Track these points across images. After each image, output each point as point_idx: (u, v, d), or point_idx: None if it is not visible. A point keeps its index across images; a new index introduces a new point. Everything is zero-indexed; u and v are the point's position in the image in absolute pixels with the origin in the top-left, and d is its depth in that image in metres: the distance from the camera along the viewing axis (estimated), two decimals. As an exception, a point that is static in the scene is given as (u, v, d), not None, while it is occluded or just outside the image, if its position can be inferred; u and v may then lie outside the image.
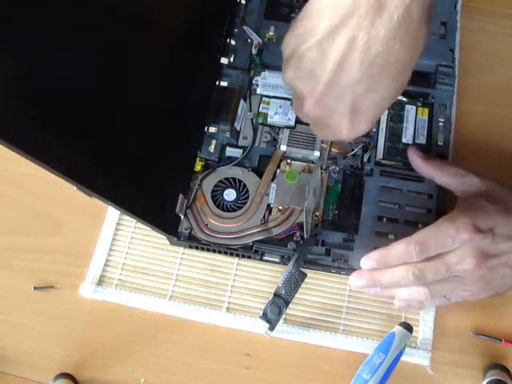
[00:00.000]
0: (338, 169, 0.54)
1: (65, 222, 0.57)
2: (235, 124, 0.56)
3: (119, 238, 0.56)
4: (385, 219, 0.52)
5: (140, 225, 0.56)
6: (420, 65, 0.56)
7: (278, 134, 0.55)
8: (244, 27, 0.60)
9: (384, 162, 0.54)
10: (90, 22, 0.41)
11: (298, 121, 0.55)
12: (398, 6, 0.31)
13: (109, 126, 0.44)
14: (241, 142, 0.56)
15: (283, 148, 0.55)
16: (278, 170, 0.54)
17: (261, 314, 0.50)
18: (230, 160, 0.55)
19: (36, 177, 0.57)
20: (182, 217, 0.52)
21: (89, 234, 0.56)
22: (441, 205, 0.52)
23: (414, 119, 0.55)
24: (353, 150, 0.54)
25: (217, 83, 0.57)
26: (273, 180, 0.54)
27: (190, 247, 0.54)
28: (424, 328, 0.52)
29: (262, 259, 0.52)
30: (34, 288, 0.55)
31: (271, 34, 0.59)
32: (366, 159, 0.54)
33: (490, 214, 0.44)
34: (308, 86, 0.36)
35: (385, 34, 0.32)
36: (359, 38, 0.32)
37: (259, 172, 0.54)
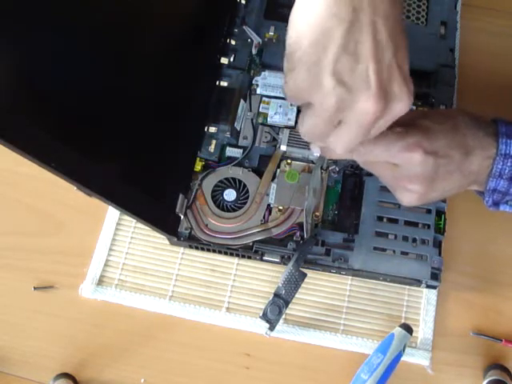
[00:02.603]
0: (337, 169, 0.54)
1: (65, 222, 0.57)
2: (235, 124, 0.56)
3: (119, 238, 0.56)
4: (385, 219, 0.52)
5: (140, 225, 0.56)
6: (420, 65, 0.56)
7: (277, 134, 0.55)
8: (244, 27, 0.60)
9: (384, 162, 0.54)
10: (89, 23, 0.41)
11: (297, 121, 0.55)
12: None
13: (109, 126, 0.44)
14: (241, 142, 0.56)
15: (283, 148, 0.55)
16: (278, 170, 0.54)
17: (261, 314, 0.50)
18: (230, 160, 0.55)
19: (36, 177, 0.57)
20: (182, 217, 0.52)
21: (89, 234, 0.56)
22: (440, 205, 0.52)
23: (414, 119, 0.55)
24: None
25: (217, 83, 0.57)
26: (273, 180, 0.54)
27: (190, 247, 0.54)
28: (424, 328, 0.52)
29: (262, 259, 0.52)
30: (34, 288, 0.55)
31: (271, 33, 0.59)
32: (366, 159, 0.54)
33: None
34: (362, 90, 0.34)
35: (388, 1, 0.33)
36: (374, 20, 0.33)
37: (259, 172, 0.54)
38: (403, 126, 0.40)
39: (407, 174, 0.41)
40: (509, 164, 0.41)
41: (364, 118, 0.35)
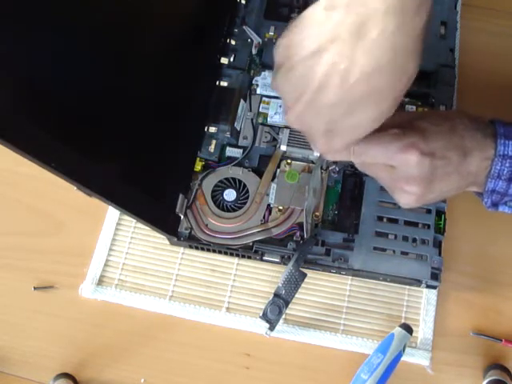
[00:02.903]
0: (337, 169, 0.54)
1: (65, 222, 0.57)
2: (235, 124, 0.56)
3: (119, 238, 0.56)
4: (385, 219, 0.52)
5: (140, 225, 0.56)
6: (420, 65, 0.56)
7: (278, 134, 0.55)
8: (244, 27, 0.60)
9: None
10: (89, 22, 0.41)
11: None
12: (380, 35, 0.31)
13: (109, 126, 0.44)
14: (241, 142, 0.56)
15: (283, 148, 0.55)
16: (278, 170, 0.54)
17: (261, 314, 0.50)
18: (230, 160, 0.55)
19: (36, 177, 0.57)
20: (182, 217, 0.52)
21: (89, 234, 0.56)
22: (440, 205, 0.52)
23: (414, 119, 0.55)
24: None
25: (217, 83, 0.57)
26: (273, 180, 0.54)
27: (190, 247, 0.54)
28: (424, 328, 0.52)
29: (262, 259, 0.52)
30: (34, 288, 0.55)
31: (271, 34, 0.59)
32: (366, 159, 0.54)
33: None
34: (291, 98, 0.37)
35: (365, 62, 0.32)
36: (340, 63, 0.32)
37: (259, 172, 0.54)
38: (400, 128, 0.40)
39: (404, 175, 0.41)
40: (507, 165, 0.41)
41: (285, 113, 0.39)
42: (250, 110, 0.57)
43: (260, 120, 0.56)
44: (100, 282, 0.55)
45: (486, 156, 0.41)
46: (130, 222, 0.56)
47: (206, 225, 0.52)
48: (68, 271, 0.55)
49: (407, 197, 0.42)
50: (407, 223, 0.52)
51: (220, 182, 0.54)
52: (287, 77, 0.36)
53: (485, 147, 0.41)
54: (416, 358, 0.51)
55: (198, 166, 0.54)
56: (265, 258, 0.52)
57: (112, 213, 0.57)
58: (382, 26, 0.31)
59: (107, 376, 0.52)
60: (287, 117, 0.38)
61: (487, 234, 0.55)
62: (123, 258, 0.55)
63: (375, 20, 0.31)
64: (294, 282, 0.50)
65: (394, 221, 0.52)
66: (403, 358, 0.49)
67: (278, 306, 0.49)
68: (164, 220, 0.51)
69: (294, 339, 0.52)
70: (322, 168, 0.54)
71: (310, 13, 0.34)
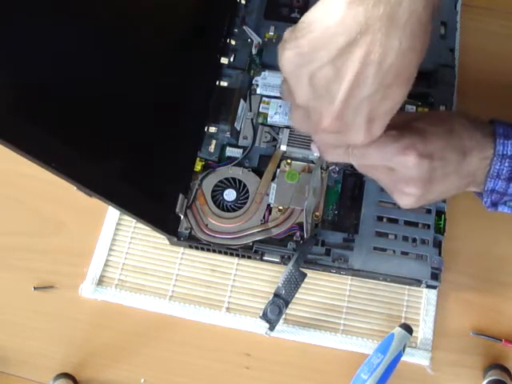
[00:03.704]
0: (337, 169, 0.54)
1: (65, 222, 0.57)
2: (235, 124, 0.56)
3: (119, 238, 0.56)
4: (385, 219, 0.52)
5: (140, 225, 0.56)
6: (420, 65, 0.56)
7: (278, 134, 0.55)
8: (244, 27, 0.60)
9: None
10: (89, 22, 0.41)
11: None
12: (410, 17, 0.32)
13: (109, 126, 0.44)
14: (241, 142, 0.56)
15: (283, 148, 0.55)
16: (278, 170, 0.54)
17: (261, 314, 0.50)
18: (230, 160, 0.55)
19: (36, 177, 0.57)
20: (182, 217, 0.52)
21: (89, 234, 0.56)
22: (440, 205, 0.52)
23: (414, 119, 0.55)
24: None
25: (217, 83, 0.57)
26: (273, 180, 0.54)
27: (190, 247, 0.54)
28: (424, 328, 0.52)
29: (262, 259, 0.52)
30: (34, 288, 0.55)
31: (271, 34, 0.59)
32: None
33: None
34: (325, 104, 0.36)
35: (399, 45, 0.33)
36: (374, 52, 0.32)
37: (259, 172, 0.54)
38: (398, 129, 0.40)
39: (403, 177, 0.41)
40: (506, 164, 0.41)
41: (317, 124, 0.37)
42: (250, 110, 0.57)
43: (260, 120, 0.56)
44: (100, 282, 0.55)
45: (485, 156, 0.41)
46: (130, 221, 0.56)
47: (206, 225, 0.52)
48: (68, 271, 0.55)
49: (406, 198, 0.42)
50: (407, 223, 0.52)
51: (220, 182, 0.54)
52: (313, 84, 0.35)
53: (484, 147, 0.41)
54: (416, 358, 0.51)
55: (198, 166, 0.54)
56: (265, 258, 0.52)
57: (112, 213, 0.57)
58: (412, 7, 0.32)
59: (107, 376, 0.52)
60: (322, 125, 0.37)
61: (487, 234, 0.55)
62: (123, 258, 0.55)
63: (405, 3, 0.32)
64: (294, 282, 0.50)
65: (394, 221, 0.52)
66: (403, 358, 0.49)
67: (277, 306, 0.49)
68: (164, 220, 0.51)
69: (293, 339, 0.52)
70: (321, 168, 0.54)
71: (326, 12, 0.33)
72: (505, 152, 0.41)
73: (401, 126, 0.40)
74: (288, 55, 0.35)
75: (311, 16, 0.34)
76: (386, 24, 0.32)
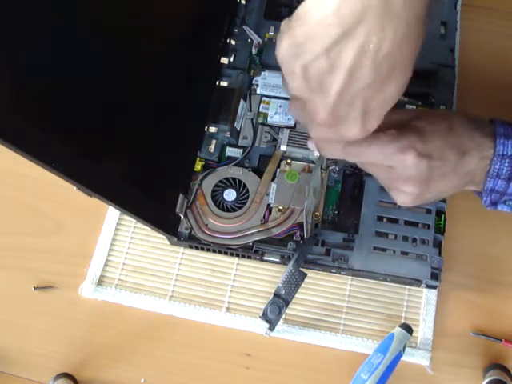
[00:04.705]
0: (337, 169, 0.54)
1: (65, 222, 0.57)
2: (235, 124, 0.56)
3: (119, 238, 0.56)
4: (385, 219, 0.52)
5: (140, 225, 0.56)
6: (420, 65, 0.55)
7: (278, 134, 0.55)
8: (244, 27, 0.60)
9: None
10: (89, 22, 0.41)
11: (298, 121, 0.55)
12: (405, 7, 0.32)
13: (109, 126, 0.44)
14: (241, 142, 0.56)
15: (283, 148, 0.55)
16: (278, 170, 0.54)
17: (261, 314, 0.50)
18: (230, 160, 0.55)
19: (36, 177, 0.57)
20: (182, 217, 0.52)
21: (89, 234, 0.56)
22: (440, 205, 0.52)
23: (414, 119, 0.55)
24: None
25: (217, 83, 0.57)
26: (273, 180, 0.54)
27: (190, 247, 0.54)
28: (424, 328, 0.52)
29: (262, 259, 0.52)
30: (34, 288, 0.55)
31: (271, 34, 0.59)
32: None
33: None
34: (319, 97, 0.35)
35: (395, 35, 0.32)
36: (370, 42, 0.32)
37: (259, 172, 0.54)
38: (397, 128, 0.40)
39: (401, 175, 0.41)
40: (506, 164, 0.41)
41: (312, 118, 0.37)
42: (250, 110, 0.57)
43: (260, 120, 0.56)
44: (100, 282, 0.55)
45: (484, 155, 0.41)
46: (130, 221, 0.56)
47: (206, 225, 0.52)
48: (68, 271, 0.55)
49: (404, 196, 0.42)
50: (407, 223, 0.52)
51: (220, 181, 0.54)
52: (306, 77, 0.35)
53: (483, 147, 0.41)
54: (416, 358, 0.51)
55: (198, 166, 0.54)
56: (265, 258, 0.52)
57: (112, 213, 0.57)
58: None
59: (107, 376, 0.52)
60: (318, 117, 0.36)
61: (487, 234, 0.55)
62: (123, 258, 0.55)
63: None
64: (294, 282, 0.50)
65: (394, 221, 0.52)
66: (403, 358, 0.49)
67: (278, 306, 0.49)
68: (164, 220, 0.51)
69: (294, 339, 0.52)
70: (321, 168, 0.54)
71: (321, 2, 0.33)
72: (505, 152, 0.41)
73: (400, 125, 0.40)
74: (283, 45, 0.35)
75: (306, 6, 0.33)
76: (381, 14, 0.32)
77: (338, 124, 0.37)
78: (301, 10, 0.34)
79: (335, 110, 0.35)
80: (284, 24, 0.35)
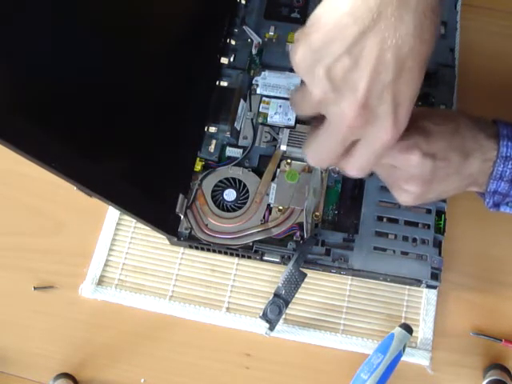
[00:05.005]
0: (338, 169, 0.54)
1: (65, 222, 0.57)
2: (235, 124, 0.56)
3: (119, 238, 0.56)
4: (385, 219, 0.52)
5: (140, 225, 0.56)
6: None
7: (278, 134, 0.55)
8: (244, 27, 0.60)
9: (384, 162, 0.54)
10: (89, 22, 0.41)
11: (298, 121, 0.55)
12: (421, 2, 0.32)
13: (109, 126, 0.44)
14: (241, 142, 0.56)
15: (283, 148, 0.55)
16: (278, 170, 0.54)
17: (261, 314, 0.50)
18: (230, 160, 0.55)
19: (36, 177, 0.57)
20: (182, 217, 0.52)
21: (89, 234, 0.56)
22: (440, 205, 0.52)
23: (414, 119, 0.55)
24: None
25: (217, 83, 0.57)
26: (273, 180, 0.54)
27: (190, 247, 0.54)
28: (424, 328, 0.52)
29: (262, 259, 0.52)
30: (34, 288, 0.55)
31: (271, 33, 0.59)
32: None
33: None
34: (347, 95, 0.35)
35: (414, 27, 0.33)
36: (390, 37, 0.32)
37: (259, 172, 0.54)
38: None
39: (404, 174, 0.41)
40: (509, 166, 0.41)
41: (341, 123, 0.35)
42: (250, 110, 0.57)
43: (260, 120, 0.56)
44: (100, 282, 0.55)
45: (487, 157, 0.41)
46: (130, 221, 0.56)
47: (206, 225, 0.52)
48: (68, 271, 0.55)
49: (406, 195, 0.42)
50: (407, 223, 0.52)
51: (220, 181, 0.54)
52: (330, 78, 0.34)
53: (487, 148, 0.41)
54: (416, 358, 0.51)
55: (198, 166, 0.54)
56: (265, 258, 0.52)
57: (112, 213, 0.57)
58: None
59: (107, 376, 0.52)
60: (348, 119, 0.35)
61: (487, 234, 0.55)
62: (123, 258, 0.55)
63: None
64: (294, 282, 0.50)
65: (394, 221, 0.52)
66: (403, 358, 0.49)
67: (278, 306, 0.49)
68: (164, 220, 0.51)
69: (294, 339, 0.52)
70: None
71: (335, 4, 0.33)
72: (508, 154, 0.41)
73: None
74: (301, 54, 0.34)
75: (319, 11, 0.34)
76: (398, 8, 0.32)
77: (369, 121, 0.35)
78: (313, 16, 0.34)
79: (366, 105, 0.34)
80: (298, 33, 0.35)
